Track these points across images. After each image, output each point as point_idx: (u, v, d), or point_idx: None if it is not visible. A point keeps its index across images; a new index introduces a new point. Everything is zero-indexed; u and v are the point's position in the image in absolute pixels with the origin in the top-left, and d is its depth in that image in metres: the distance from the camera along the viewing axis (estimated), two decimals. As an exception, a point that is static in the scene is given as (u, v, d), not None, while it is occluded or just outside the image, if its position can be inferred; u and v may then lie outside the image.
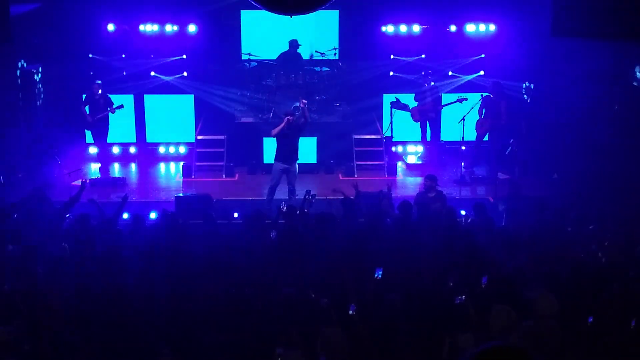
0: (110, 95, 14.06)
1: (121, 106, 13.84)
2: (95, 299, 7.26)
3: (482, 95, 14.08)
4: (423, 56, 15.56)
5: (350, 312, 6.80)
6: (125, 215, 10.35)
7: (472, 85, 15.15)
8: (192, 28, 15.35)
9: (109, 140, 14.52)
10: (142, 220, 9.94)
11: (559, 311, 6.74)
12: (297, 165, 12.10)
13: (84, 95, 14.22)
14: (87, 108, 13.80)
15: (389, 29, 15.60)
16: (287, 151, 11.99)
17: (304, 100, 12.16)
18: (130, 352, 6.37)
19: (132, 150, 15.59)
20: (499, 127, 13.94)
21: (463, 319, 6.71)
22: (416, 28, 15.60)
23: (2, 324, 6.49)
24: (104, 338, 6.53)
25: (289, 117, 11.90)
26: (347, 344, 6.62)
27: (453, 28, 15.51)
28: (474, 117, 14.01)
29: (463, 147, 13.88)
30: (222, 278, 7.83)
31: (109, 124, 13.93)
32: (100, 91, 13.80)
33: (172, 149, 15.60)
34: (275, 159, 12.12)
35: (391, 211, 10.26)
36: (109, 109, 13.71)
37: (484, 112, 13.97)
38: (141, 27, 15.19)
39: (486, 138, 14.33)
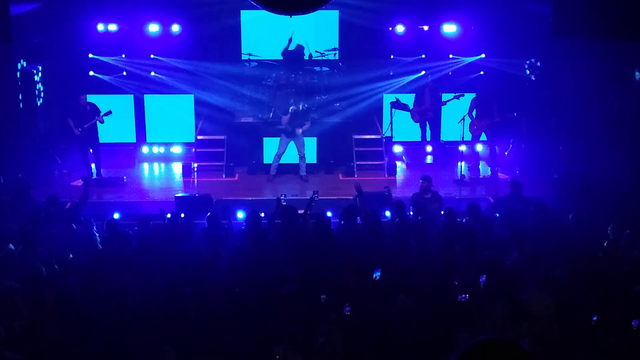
0: (105, 97, 13.90)
1: (109, 112, 13.61)
2: (96, 298, 7.26)
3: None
4: (423, 56, 15.55)
5: (346, 312, 6.80)
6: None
7: (472, 84, 15.14)
8: (192, 28, 15.33)
9: (107, 141, 14.45)
10: (143, 220, 9.96)
11: (556, 311, 6.75)
12: (302, 137, 13.68)
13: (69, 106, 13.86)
14: (72, 120, 13.45)
15: (389, 29, 15.59)
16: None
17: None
18: (132, 351, 6.38)
19: (132, 150, 15.57)
20: (493, 125, 13.92)
21: (465, 317, 6.72)
22: (415, 28, 15.59)
23: (3, 323, 6.49)
24: (105, 337, 6.53)
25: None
26: (342, 343, 6.63)
27: (453, 28, 15.49)
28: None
29: (463, 148, 13.88)
30: (223, 278, 7.84)
31: (97, 131, 13.68)
32: (86, 101, 13.52)
33: (172, 149, 15.59)
34: (280, 132, 13.79)
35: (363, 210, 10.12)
36: (96, 117, 13.47)
37: (474, 112, 13.96)
38: (141, 27, 15.18)
39: (484, 138, 14.30)
